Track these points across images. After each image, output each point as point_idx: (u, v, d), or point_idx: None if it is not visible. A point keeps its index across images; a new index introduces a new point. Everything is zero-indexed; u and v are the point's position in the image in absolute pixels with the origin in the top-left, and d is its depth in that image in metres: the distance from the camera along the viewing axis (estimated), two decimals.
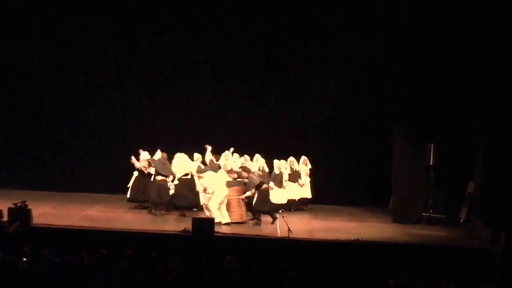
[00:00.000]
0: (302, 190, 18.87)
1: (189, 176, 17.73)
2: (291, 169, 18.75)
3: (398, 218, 17.77)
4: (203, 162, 18.03)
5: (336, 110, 20.17)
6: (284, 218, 15.27)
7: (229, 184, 16.79)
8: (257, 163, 18.39)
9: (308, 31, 19.82)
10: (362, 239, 15.14)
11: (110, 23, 20.15)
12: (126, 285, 10.88)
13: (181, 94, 20.60)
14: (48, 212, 16.91)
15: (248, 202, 17.13)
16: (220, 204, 16.45)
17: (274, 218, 16.74)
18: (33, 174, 20.40)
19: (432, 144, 17.54)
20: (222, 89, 20.49)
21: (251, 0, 19.80)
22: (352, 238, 15.15)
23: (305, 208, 18.99)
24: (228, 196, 16.63)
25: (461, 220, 17.31)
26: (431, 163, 17.56)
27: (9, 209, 14.38)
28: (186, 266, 11.72)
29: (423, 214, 17.55)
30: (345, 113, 20.19)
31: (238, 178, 17.13)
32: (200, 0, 19.92)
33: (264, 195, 16.88)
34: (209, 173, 16.85)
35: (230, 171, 17.30)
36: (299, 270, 11.79)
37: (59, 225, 15.22)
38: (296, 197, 18.81)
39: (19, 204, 14.48)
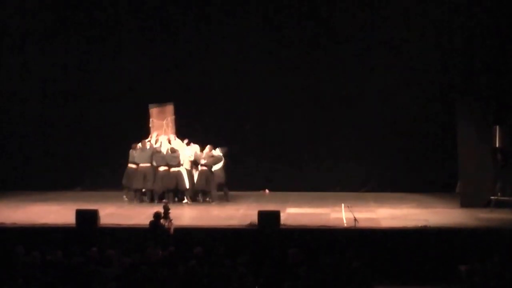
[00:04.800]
0: None
1: None
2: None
3: (466, 202, 17.48)
4: None
5: (400, 94, 19.90)
6: (350, 207, 15.16)
7: None
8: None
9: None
10: (430, 226, 14.90)
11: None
12: (195, 281, 10.96)
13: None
14: (115, 212, 17.08)
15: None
16: None
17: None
18: (101, 174, 20.53)
19: (498, 126, 17.27)
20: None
21: None
22: (420, 225, 14.93)
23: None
24: None
25: None
26: (497, 145, 17.30)
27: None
28: (254, 259, 11.73)
29: (492, 197, 17.26)
30: (409, 98, 19.88)
31: None
32: None
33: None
34: None
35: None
36: (366, 259, 11.69)
37: (126, 225, 15.32)
38: None
39: (164, 206, 14.52)
